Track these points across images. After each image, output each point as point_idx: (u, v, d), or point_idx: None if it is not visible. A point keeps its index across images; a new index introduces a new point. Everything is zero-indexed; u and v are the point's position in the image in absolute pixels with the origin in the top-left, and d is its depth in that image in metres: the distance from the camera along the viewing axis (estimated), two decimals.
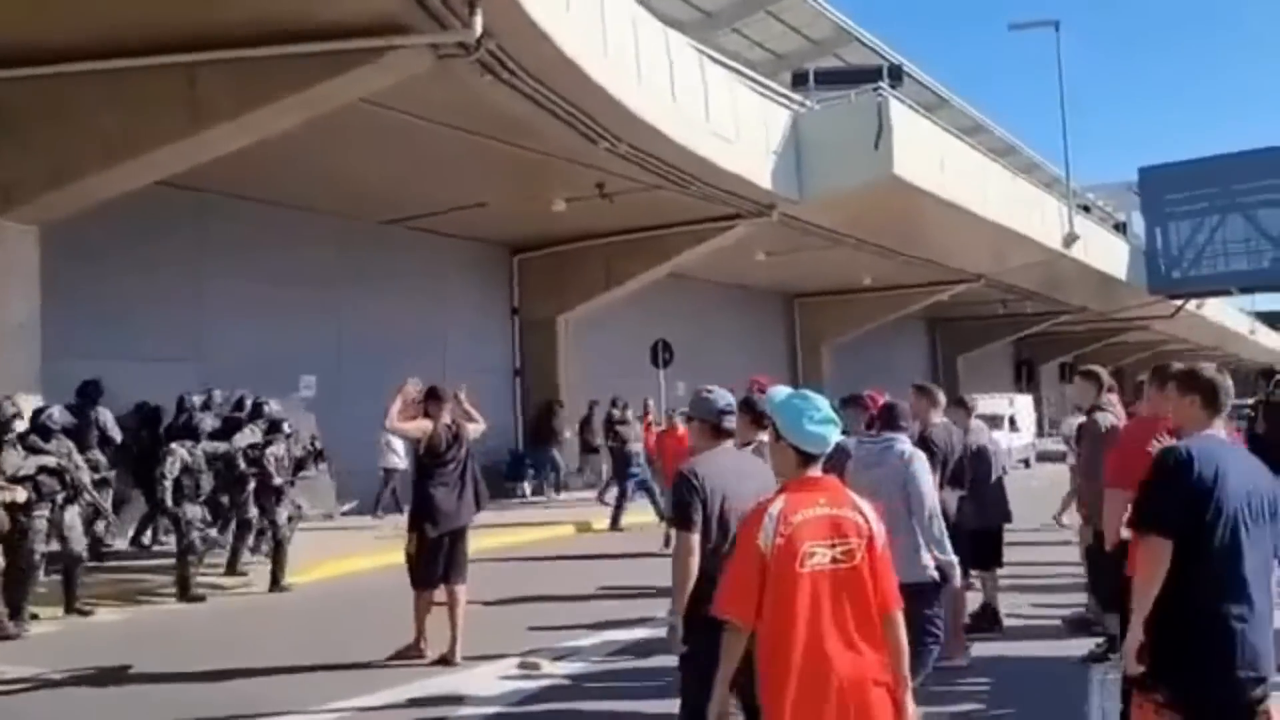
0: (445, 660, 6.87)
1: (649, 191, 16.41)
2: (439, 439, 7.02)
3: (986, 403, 29.18)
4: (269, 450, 10.04)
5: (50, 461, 8.56)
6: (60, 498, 8.65)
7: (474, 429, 7.29)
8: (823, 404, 3.25)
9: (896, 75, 18.92)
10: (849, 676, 2.99)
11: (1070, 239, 26.55)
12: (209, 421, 10.46)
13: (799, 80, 19.28)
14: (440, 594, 7.04)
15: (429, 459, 7.04)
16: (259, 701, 6.22)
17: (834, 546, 3.06)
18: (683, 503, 3.80)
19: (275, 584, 9.92)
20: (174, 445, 9.70)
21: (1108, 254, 31.33)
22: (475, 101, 11.83)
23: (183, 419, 10.83)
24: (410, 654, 7.02)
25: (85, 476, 8.91)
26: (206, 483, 9.77)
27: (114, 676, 6.99)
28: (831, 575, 3.05)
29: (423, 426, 7.03)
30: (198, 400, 11.30)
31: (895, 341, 33.91)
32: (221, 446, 10.02)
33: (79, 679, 6.93)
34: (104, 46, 9.56)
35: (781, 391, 3.40)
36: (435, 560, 6.92)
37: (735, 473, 3.90)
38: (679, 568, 3.73)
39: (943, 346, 39.24)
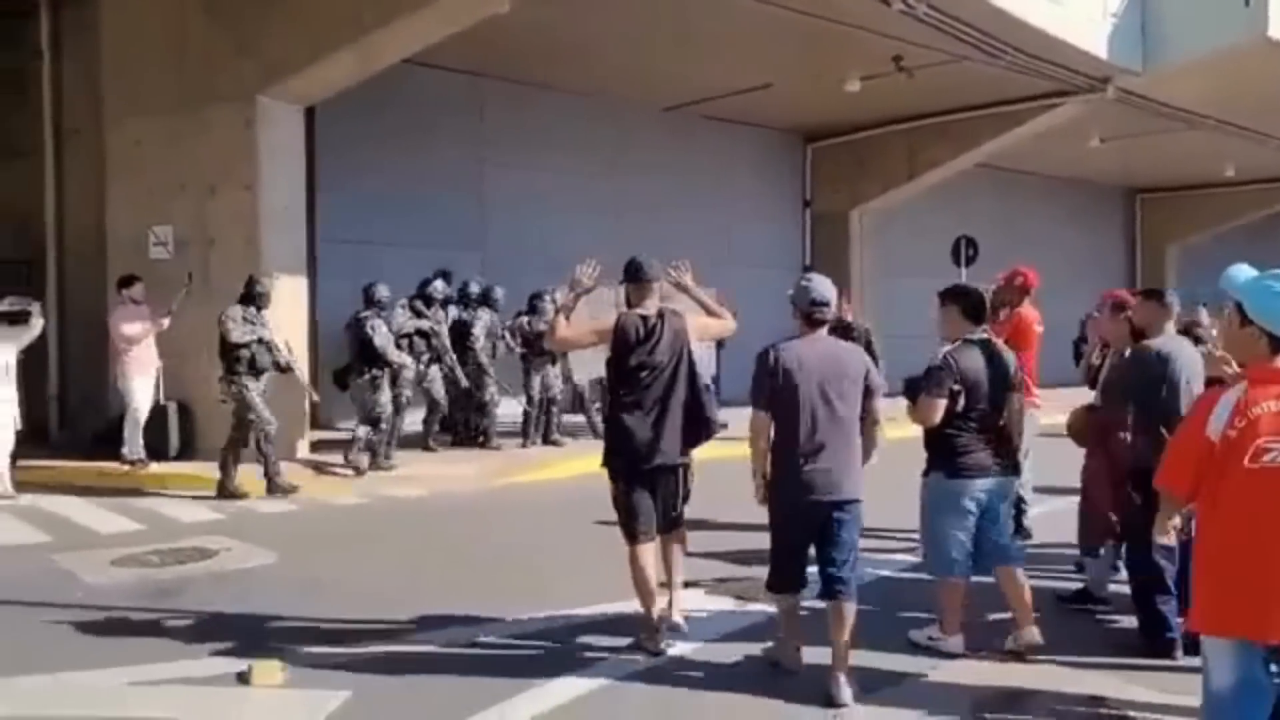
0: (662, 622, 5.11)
1: (956, 65, 14.39)
2: (628, 337, 4.90)
3: None
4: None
5: (425, 325, 10.95)
6: (426, 358, 10.90)
7: (706, 327, 5.26)
8: None
9: None
10: None
11: None
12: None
13: None
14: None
15: (616, 368, 4.97)
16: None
17: None
18: (754, 382, 4.57)
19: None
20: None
21: None
22: None
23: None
24: (645, 636, 5.07)
25: (447, 342, 11.10)
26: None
27: None
28: None
29: (596, 327, 5.08)
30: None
31: (1262, 243, 29.11)
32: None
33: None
34: None
35: (1246, 271, 3.22)
36: (638, 506, 4.92)
37: (827, 357, 4.54)
38: (752, 439, 4.61)
39: None
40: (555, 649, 5.18)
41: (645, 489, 4.92)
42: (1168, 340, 5.12)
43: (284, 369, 9.19)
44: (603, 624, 5.47)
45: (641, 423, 4.87)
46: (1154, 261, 26.50)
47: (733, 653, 5.09)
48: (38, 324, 9.04)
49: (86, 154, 11.39)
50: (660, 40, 13.75)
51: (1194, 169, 23.41)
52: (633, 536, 4.93)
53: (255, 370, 8.95)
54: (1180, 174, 24.38)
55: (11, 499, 8.70)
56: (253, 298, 9.08)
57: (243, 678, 4.66)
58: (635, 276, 5.04)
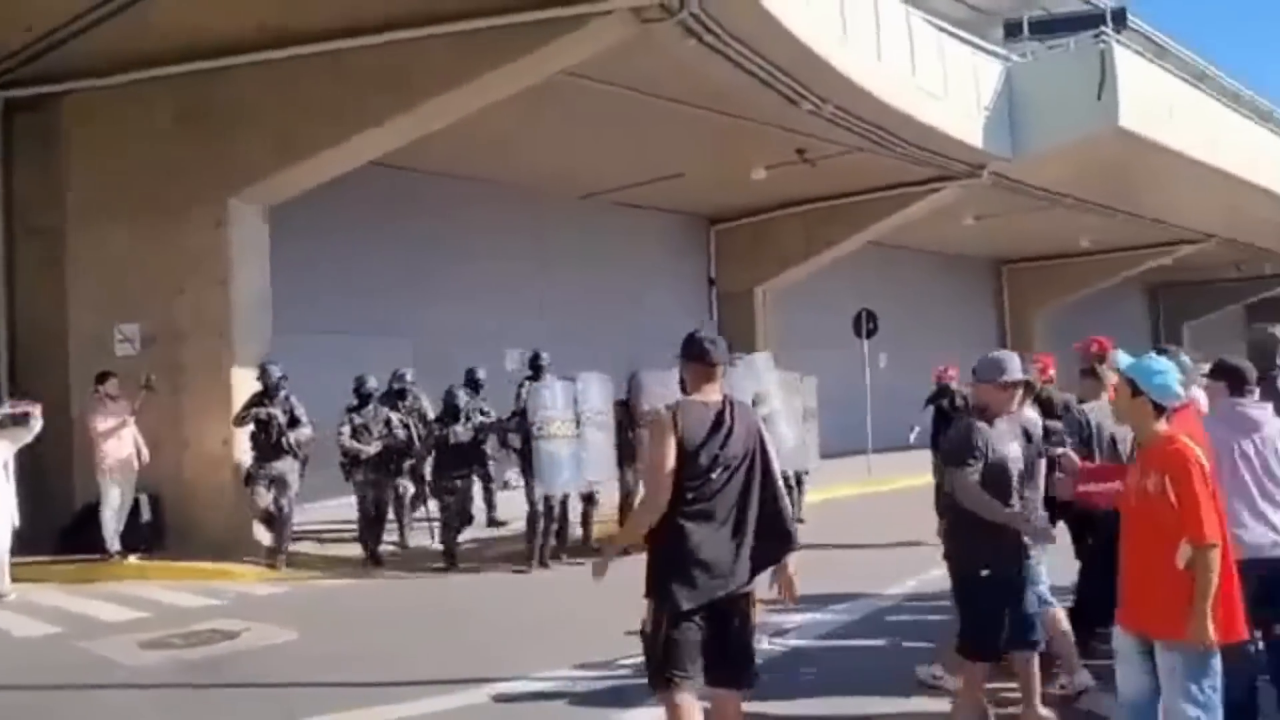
0: None
1: (851, 155, 15.85)
2: (695, 428, 3.85)
3: None
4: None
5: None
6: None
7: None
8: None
9: (1120, 19, 17.51)
10: None
11: None
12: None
13: (1011, 31, 18.14)
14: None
15: (680, 470, 3.81)
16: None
17: None
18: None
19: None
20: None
21: None
22: (675, 69, 11.66)
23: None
24: None
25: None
26: None
27: None
28: None
29: (668, 446, 3.81)
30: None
31: (1112, 308, 31.79)
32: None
33: None
34: (329, 29, 9.94)
35: (1125, 357, 3.85)
36: (686, 641, 3.79)
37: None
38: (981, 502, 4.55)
39: (1165, 313, 36.57)
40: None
41: (700, 623, 3.79)
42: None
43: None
44: None
45: (714, 536, 3.80)
46: (1021, 327, 28.67)
47: None
48: (36, 425, 9.26)
49: (42, 252, 11.60)
50: (579, 135, 14.68)
51: (1054, 241, 25.68)
52: (670, 682, 3.77)
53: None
54: (1041, 246, 26.66)
55: (5, 595, 8.84)
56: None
57: None
58: (701, 357, 3.98)
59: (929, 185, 17.77)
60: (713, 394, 3.98)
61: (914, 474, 12.61)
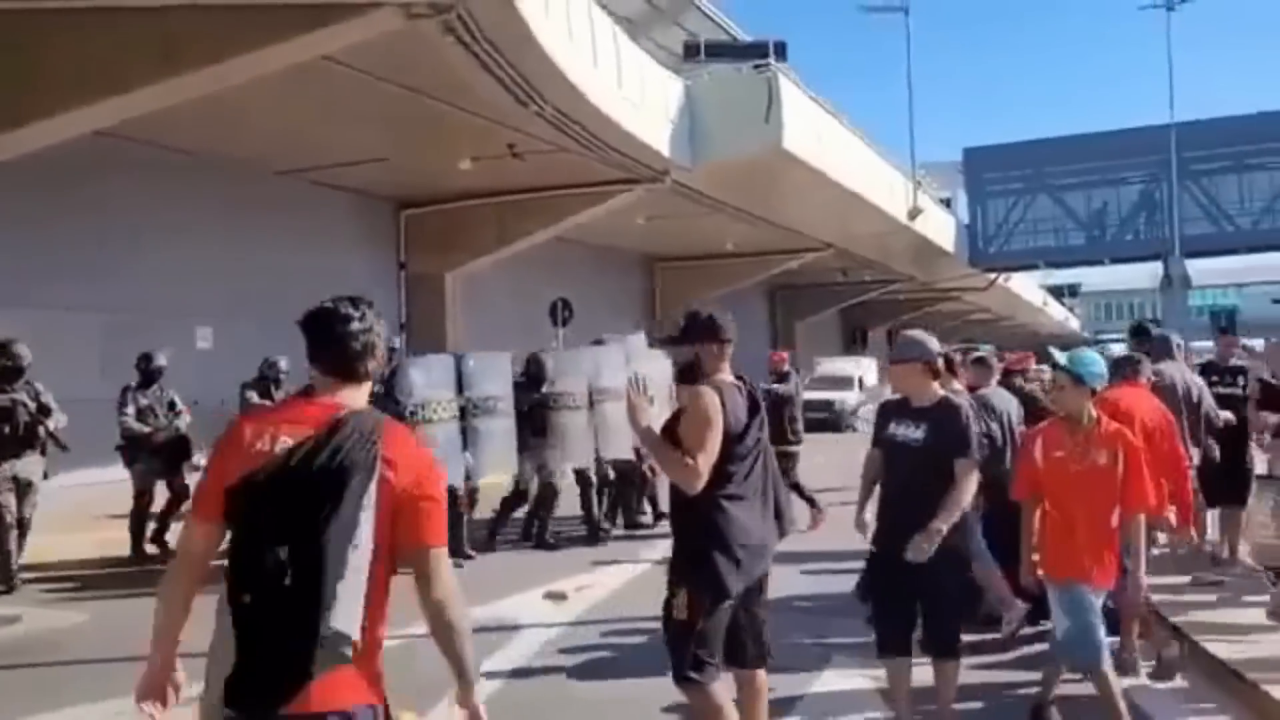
0: None
1: (557, 153, 16.89)
2: (739, 413, 3.80)
3: (836, 365, 31.35)
4: None
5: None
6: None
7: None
8: None
9: (781, 51, 20.04)
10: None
11: (914, 212, 28.61)
12: None
13: (690, 52, 20.12)
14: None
15: (722, 455, 3.73)
16: None
17: None
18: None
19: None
20: None
21: (940, 228, 33.80)
22: (415, 60, 12.05)
23: None
24: None
25: None
26: None
27: None
28: None
29: (714, 428, 3.70)
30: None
31: (742, 306, 35.43)
32: None
33: None
34: None
35: (1060, 355, 4.61)
36: (720, 628, 3.75)
37: None
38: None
39: (781, 313, 41.19)
40: None
41: (733, 606, 3.77)
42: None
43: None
44: None
45: (755, 517, 3.79)
46: (672, 318, 31.28)
47: None
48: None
49: None
50: (288, 110, 14.28)
51: (704, 244, 28.36)
52: (701, 667, 3.68)
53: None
54: (693, 247, 29.29)
55: None
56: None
57: None
58: (716, 334, 3.85)
59: (619, 186, 19.25)
60: (729, 374, 3.89)
61: None
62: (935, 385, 4.58)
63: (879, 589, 4.50)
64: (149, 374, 9.38)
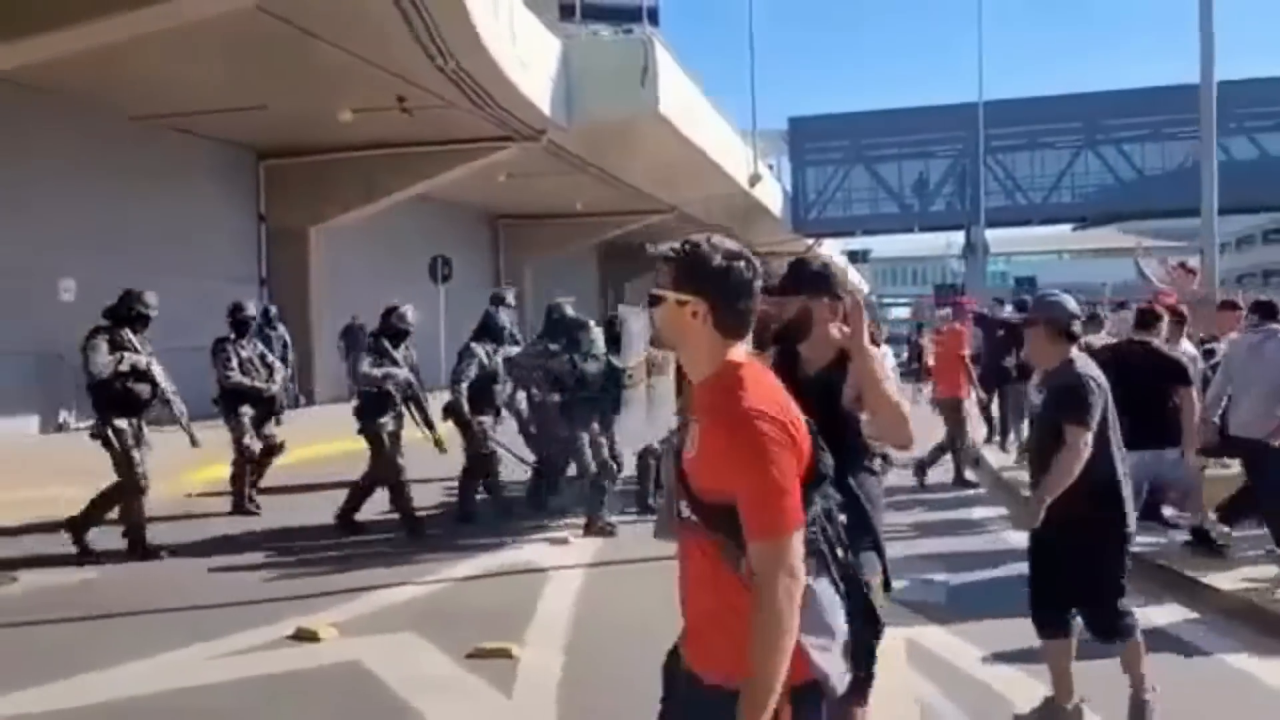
0: None
1: (442, 109, 16.70)
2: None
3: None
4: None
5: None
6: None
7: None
8: None
9: (654, 17, 20.47)
10: None
11: (754, 179, 29.79)
12: None
13: (566, 12, 20.23)
14: None
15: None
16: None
17: None
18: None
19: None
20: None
21: (772, 194, 35.28)
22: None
23: None
24: None
25: None
26: None
27: None
28: None
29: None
30: None
31: (577, 265, 35.89)
32: None
33: None
34: None
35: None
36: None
37: None
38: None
39: (611, 274, 41.83)
40: None
41: None
42: None
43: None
44: None
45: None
46: (515, 274, 31.31)
47: None
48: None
49: None
50: (165, 50, 13.22)
51: (551, 203, 28.50)
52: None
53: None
54: (539, 206, 29.36)
55: None
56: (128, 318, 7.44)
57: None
58: (830, 287, 3.32)
59: (497, 143, 19.21)
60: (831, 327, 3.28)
61: None
62: (1058, 349, 4.09)
63: (1035, 568, 4.20)
64: (240, 324, 9.12)
